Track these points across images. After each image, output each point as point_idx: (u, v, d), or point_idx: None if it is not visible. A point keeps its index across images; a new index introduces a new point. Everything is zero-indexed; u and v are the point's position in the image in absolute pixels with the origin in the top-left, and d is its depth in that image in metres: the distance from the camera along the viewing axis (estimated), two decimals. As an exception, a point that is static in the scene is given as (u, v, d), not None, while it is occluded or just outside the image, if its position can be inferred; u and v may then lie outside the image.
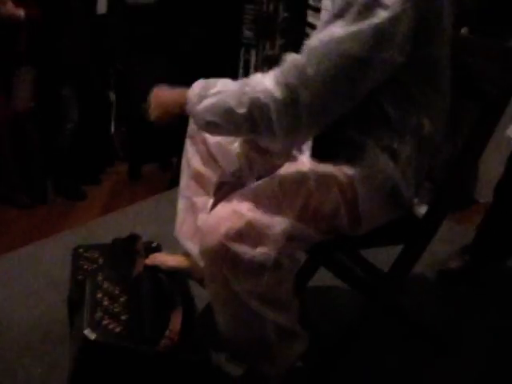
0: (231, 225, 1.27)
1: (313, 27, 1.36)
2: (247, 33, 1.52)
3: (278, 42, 1.44)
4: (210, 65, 3.19)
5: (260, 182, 1.40)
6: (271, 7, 1.42)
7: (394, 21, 1.16)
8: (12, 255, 2.31)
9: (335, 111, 1.26)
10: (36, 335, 1.84)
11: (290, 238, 1.31)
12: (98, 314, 1.40)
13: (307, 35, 1.37)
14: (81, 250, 1.88)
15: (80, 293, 1.60)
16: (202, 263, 1.69)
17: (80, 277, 1.74)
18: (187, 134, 1.78)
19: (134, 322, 1.43)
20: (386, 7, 1.15)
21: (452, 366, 1.76)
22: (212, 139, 1.67)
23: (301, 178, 1.37)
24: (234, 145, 1.66)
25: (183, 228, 1.78)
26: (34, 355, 1.75)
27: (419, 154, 1.38)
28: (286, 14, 1.39)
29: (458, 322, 1.97)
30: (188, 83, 1.46)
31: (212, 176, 1.72)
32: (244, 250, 1.26)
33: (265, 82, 1.25)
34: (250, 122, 1.27)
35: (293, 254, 1.36)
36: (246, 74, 1.56)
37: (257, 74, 1.32)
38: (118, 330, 1.38)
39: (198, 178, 1.74)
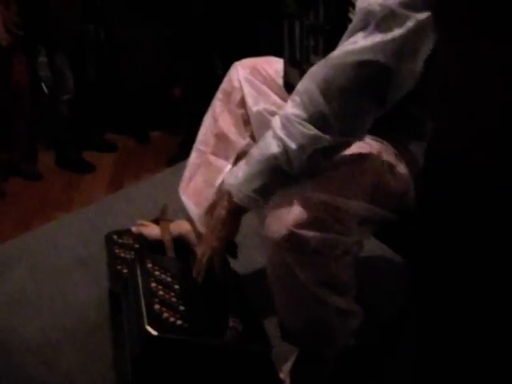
0: (301, 209, 1.11)
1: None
2: (288, 2, 1.37)
3: (322, 11, 1.30)
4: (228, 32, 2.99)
5: None
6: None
7: (419, 31, 1.06)
8: (33, 233, 2.12)
9: (367, 119, 1.13)
10: (71, 320, 1.67)
11: (362, 221, 1.18)
12: (156, 306, 1.25)
13: (350, 3, 1.26)
14: (114, 237, 1.75)
15: (123, 284, 1.48)
16: (199, 224, 1.60)
17: (119, 267, 1.62)
18: (220, 90, 1.63)
19: (193, 312, 1.29)
20: (410, 17, 1.04)
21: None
22: (255, 107, 1.54)
23: (366, 156, 1.23)
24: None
25: (189, 185, 1.65)
26: (74, 342, 1.59)
27: None
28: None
29: None
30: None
31: (238, 142, 1.59)
32: (314, 236, 1.11)
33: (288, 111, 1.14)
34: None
35: (362, 238, 1.23)
36: (292, 46, 1.41)
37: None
38: (179, 322, 1.23)
39: (221, 138, 1.60)
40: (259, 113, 1.53)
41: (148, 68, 3.41)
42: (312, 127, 1.10)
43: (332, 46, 1.37)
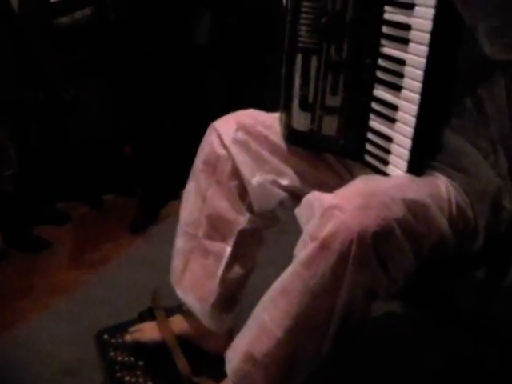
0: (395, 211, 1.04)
1: (391, 24, 1.12)
2: (305, 35, 1.23)
3: (346, 45, 1.18)
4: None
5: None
6: (338, 4, 1.14)
7: None
8: (5, 340, 1.87)
9: None
10: None
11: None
12: None
13: (385, 36, 1.14)
14: (105, 337, 1.54)
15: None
16: (206, 321, 1.42)
17: (118, 374, 1.43)
18: (201, 160, 1.42)
19: None
20: None
21: None
22: (254, 179, 1.35)
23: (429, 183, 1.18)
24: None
25: (184, 276, 1.43)
26: None
27: None
28: (356, 13, 1.14)
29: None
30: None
31: (236, 220, 1.39)
32: (400, 242, 1.03)
33: None
34: None
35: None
36: (305, 86, 1.28)
37: None
38: None
39: (215, 218, 1.39)
40: (261, 185, 1.34)
41: (94, 128, 3.19)
42: None
43: (354, 85, 1.22)
